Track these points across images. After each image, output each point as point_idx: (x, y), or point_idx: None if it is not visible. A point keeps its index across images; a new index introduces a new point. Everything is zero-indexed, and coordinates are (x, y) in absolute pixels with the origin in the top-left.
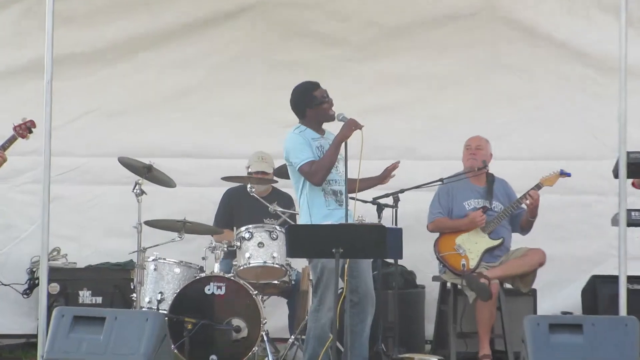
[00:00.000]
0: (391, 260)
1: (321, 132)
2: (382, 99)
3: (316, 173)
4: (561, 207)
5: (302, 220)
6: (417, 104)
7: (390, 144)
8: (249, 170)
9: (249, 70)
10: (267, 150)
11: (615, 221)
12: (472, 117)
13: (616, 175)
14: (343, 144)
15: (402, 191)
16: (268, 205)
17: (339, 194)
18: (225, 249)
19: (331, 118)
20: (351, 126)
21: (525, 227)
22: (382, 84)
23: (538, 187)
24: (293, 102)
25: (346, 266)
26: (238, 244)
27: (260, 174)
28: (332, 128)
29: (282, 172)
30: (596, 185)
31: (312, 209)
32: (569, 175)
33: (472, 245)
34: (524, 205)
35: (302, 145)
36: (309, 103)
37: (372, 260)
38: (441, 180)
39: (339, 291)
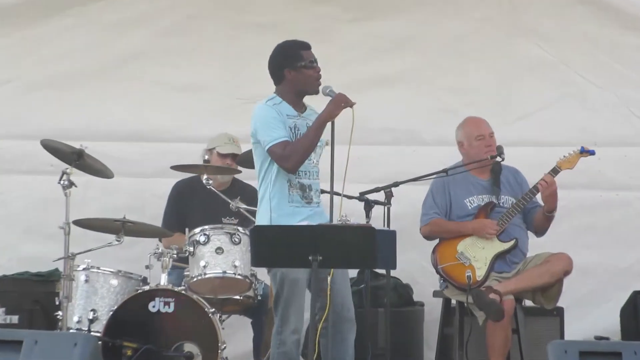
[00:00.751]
0: (382, 271)
1: (300, 108)
2: (377, 69)
3: (290, 157)
4: (593, 205)
5: (260, 217)
6: (419, 76)
7: (386, 125)
8: (207, 156)
9: (207, 34)
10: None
11: None
12: (485, 94)
13: None
14: (329, 124)
15: (396, 184)
16: (229, 200)
17: (307, 190)
18: (175, 256)
19: (314, 90)
20: (340, 102)
21: (540, 225)
22: (377, 52)
23: (555, 171)
24: (271, 61)
25: (329, 278)
26: (191, 249)
27: (231, 157)
28: (318, 106)
29: (246, 159)
30: (637, 178)
31: (272, 201)
32: (592, 152)
33: (478, 252)
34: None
35: (275, 121)
36: (292, 63)
37: (357, 270)
38: (445, 171)
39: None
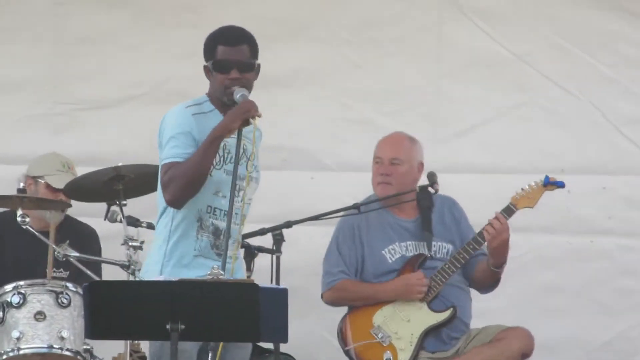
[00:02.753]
0: (269, 345)
1: None
2: (261, 66)
3: (168, 185)
4: (560, 256)
5: (147, 264)
6: (318, 75)
7: (273, 143)
8: (24, 184)
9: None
10: (59, 152)
11: None
12: (411, 100)
13: None
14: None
15: (288, 225)
16: (53, 247)
17: (222, 236)
18: None
19: (229, 100)
20: (240, 112)
21: (484, 280)
22: (260, 41)
23: (508, 211)
24: None
25: (218, 354)
26: (0, 314)
27: (64, 193)
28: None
29: (79, 187)
30: (620, 219)
31: (169, 242)
32: (560, 185)
33: (402, 326)
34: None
35: (180, 131)
36: (207, 59)
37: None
38: (356, 207)
39: None
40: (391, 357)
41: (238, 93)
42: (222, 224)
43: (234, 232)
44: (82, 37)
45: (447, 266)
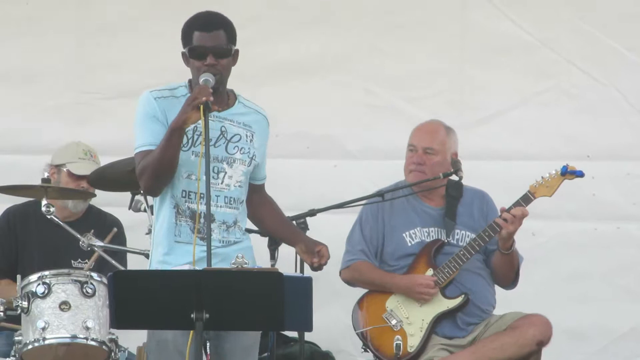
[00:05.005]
0: (293, 334)
1: (216, 104)
2: (283, 53)
3: (141, 174)
4: (584, 242)
5: (150, 258)
6: (341, 62)
7: (296, 130)
8: (49, 174)
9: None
10: (84, 141)
11: None
12: (433, 86)
13: None
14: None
15: (312, 213)
16: (78, 236)
17: (200, 220)
18: (2, 314)
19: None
20: (190, 100)
21: (501, 271)
22: (283, 28)
23: (526, 199)
24: None
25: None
26: (25, 304)
27: (86, 180)
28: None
29: (102, 177)
30: None
31: (155, 232)
32: (579, 174)
33: (413, 310)
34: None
35: (148, 120)
36: (183, 44)
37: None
38: (380, 194)
39: None
40: (401, 343)
41: (201, 78)
42: (200, 208)
43: (219, 215)
44: (105, 26)
45: (461, 252)
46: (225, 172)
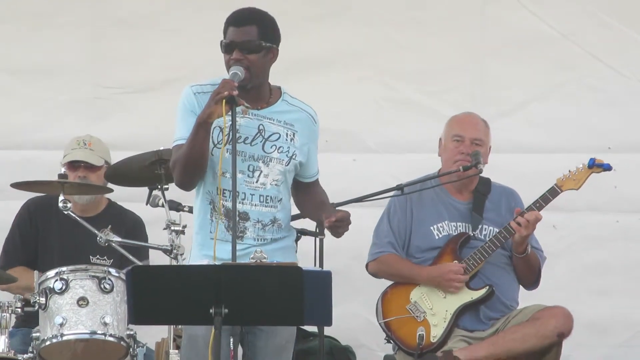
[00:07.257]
0: (313, 329)
1: (253, 101)
2: (301, 47)
3: (173, 168)
4: (607, 235)
5: (190, 253)
6: (359, 56)
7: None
8: (62, 164)
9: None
10: (100, 136)
11: None
12: (454, 80)
13: None
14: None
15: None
16: (95, 232)
17: (237, 218)
18: (20, 310)
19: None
20: (213, 96)
21: (521, 272)
22: (301, 22)
23: (553, 192)
24: None
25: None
26: (42, 300)
27: (84, 168)
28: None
29: (119, 173)
30: None
31: (195, 228)
32: (607, 167)
33: (437, 302)
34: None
35: (186, 112)
36: (221, 43)
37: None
38: (399, 188)
39: None
40: (424, 333)
41: (231, 71)
42: (238, 206)
43: (254, 214)
44: (121, 21)
45: (487, 245)
46: (261, 171)
